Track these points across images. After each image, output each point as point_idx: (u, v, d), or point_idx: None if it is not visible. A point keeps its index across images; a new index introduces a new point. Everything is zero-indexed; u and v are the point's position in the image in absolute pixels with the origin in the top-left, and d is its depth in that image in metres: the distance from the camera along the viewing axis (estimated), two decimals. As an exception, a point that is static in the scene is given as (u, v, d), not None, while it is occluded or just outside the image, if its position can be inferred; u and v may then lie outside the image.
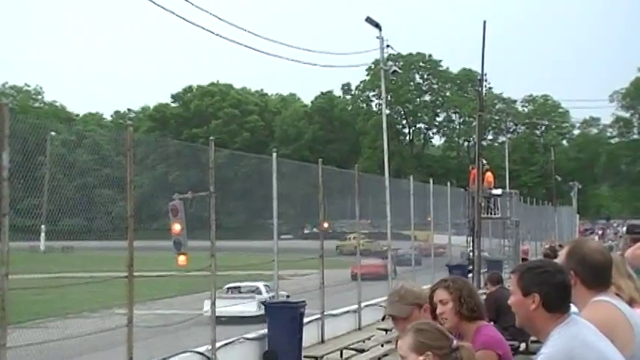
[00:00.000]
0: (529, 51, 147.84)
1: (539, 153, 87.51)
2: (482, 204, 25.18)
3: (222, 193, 16.23)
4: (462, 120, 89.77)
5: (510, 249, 31.05)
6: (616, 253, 6.24)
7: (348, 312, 18.50)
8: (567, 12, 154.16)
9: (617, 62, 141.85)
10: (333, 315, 17.49)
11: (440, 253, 28.27)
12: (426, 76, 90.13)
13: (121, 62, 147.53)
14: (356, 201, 19.31)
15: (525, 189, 60.38)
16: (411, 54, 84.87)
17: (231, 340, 13.18)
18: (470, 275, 22.57)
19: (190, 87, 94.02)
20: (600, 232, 63.26)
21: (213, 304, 12.54)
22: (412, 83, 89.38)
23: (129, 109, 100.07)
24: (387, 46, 25.14)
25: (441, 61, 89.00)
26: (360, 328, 18.23)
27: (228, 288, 22.20)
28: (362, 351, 14.50)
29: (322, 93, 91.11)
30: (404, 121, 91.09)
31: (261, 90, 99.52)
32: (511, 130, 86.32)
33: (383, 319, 4.40)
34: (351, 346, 14.73)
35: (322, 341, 16.17)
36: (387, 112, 43.12)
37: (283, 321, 13.32)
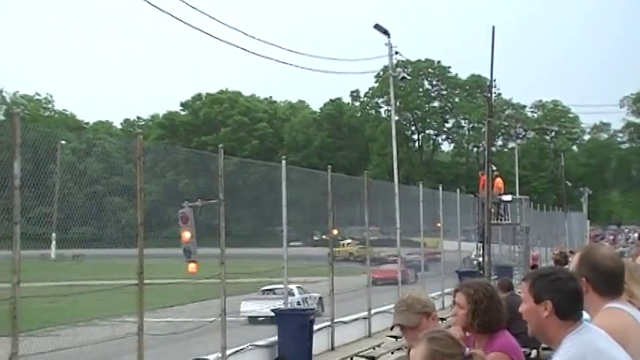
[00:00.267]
0: (538, 56, 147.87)
1: (549, 158, 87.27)
2: (492, 210, 25.11)
3: (232, 201, 16.29)
4: (471, 126, 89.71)
5: (520, 255, 30.96)
6: (627, 258, 6.22)
7: (357, 319, 18.47)
8: (577, 17, 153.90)
9: (627, 67, 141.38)
10: (343, 322, 17.47)
11: (437, 259, 27.82)
12: (434, 83, 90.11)
13: (131, 70, 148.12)
14: (365, 208, 19.29)
15: (535, 195, 60.17)
16: (419, 60, 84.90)
17: (241, 347, 13.18)
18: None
19: (199, 95, 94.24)
20: (611, 238, 62.93)
21: (223, 311, 12.54)
22: (421, 89, 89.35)
23: (138, 117, 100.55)
24: (396, 52, 25.24)
25: (449, 67, 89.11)
26: (370, 335, 18.18)
27: (264, 290, 22.45)
28: (372, 358, 14.47)
29: (331, 100, 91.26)
30: (413, 128, 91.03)
31: (270, 97, 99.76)
32: (521, 135, 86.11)
33: (391, 328, 4.38)
34: (361, 354, 14.72)
35: (332, 348, 16.15)
36: (396, 118, 43.11)
37: (293, 328, 13.32)
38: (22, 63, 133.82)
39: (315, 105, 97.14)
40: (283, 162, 15.49)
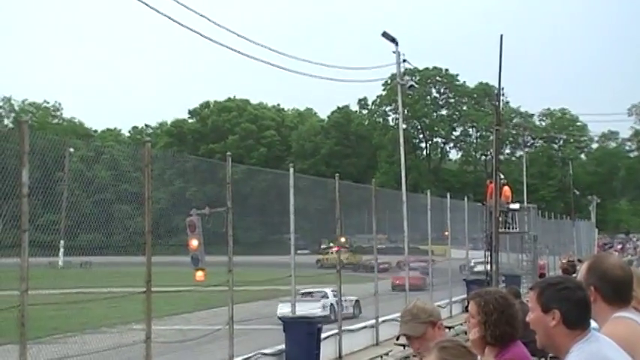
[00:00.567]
0: (546, 65, 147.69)
1: (557, 167, 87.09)
2: (500, 218, 25.05)
3: (240, 209, 16.32)
4: (478, 134, 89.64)
5: (528, 263, 30.85)
6: (636, 267, 6.20)
7: (365, 327, 18.43)
8: (585, 25, 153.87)
9: (635, 76, 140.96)
10: (351, 330, 17.43)
11: (444, 267, 27.74)
12: (442, 91, 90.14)
13: (139, 78, 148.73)
14: (373, 216, 19.27)
15: (543, 203, 60.00)
16: (427, 68, 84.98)
17: (248, 355, 13.17)
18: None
19: (207, 102, 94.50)
20: (619, 247, 62.73)
21: (230, 318, 12.53)
22: (429, 97, 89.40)
23: (146, 125, 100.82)
24: (404, 60, 25.26)
25: (457, 75, 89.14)
26: (377, 344, 18.15)
27: (303, 293, 22.75)
28: (380, 367, 14.45)
29: (339, 108, 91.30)
30: (421, 136, 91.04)
31: (278, 105, 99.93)
32: (529, 144, 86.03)
33: (397, 338, 4.37)
34: (368, 362, 14.69)
35: (340, 357, 16.13)
36: (404, 126, 43.08)
37: (301, 336, 13.30)
38: (30, 71, 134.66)
39: (323, 113, 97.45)
40: (291, 170, 15.50)
